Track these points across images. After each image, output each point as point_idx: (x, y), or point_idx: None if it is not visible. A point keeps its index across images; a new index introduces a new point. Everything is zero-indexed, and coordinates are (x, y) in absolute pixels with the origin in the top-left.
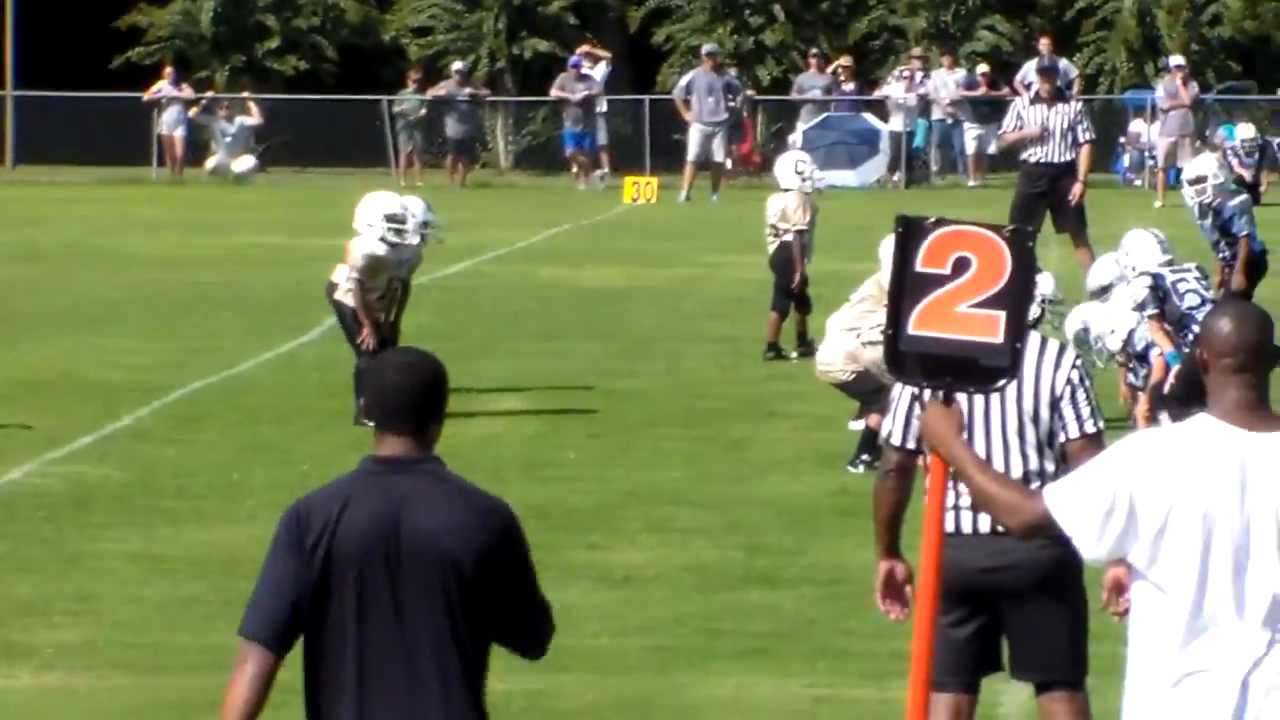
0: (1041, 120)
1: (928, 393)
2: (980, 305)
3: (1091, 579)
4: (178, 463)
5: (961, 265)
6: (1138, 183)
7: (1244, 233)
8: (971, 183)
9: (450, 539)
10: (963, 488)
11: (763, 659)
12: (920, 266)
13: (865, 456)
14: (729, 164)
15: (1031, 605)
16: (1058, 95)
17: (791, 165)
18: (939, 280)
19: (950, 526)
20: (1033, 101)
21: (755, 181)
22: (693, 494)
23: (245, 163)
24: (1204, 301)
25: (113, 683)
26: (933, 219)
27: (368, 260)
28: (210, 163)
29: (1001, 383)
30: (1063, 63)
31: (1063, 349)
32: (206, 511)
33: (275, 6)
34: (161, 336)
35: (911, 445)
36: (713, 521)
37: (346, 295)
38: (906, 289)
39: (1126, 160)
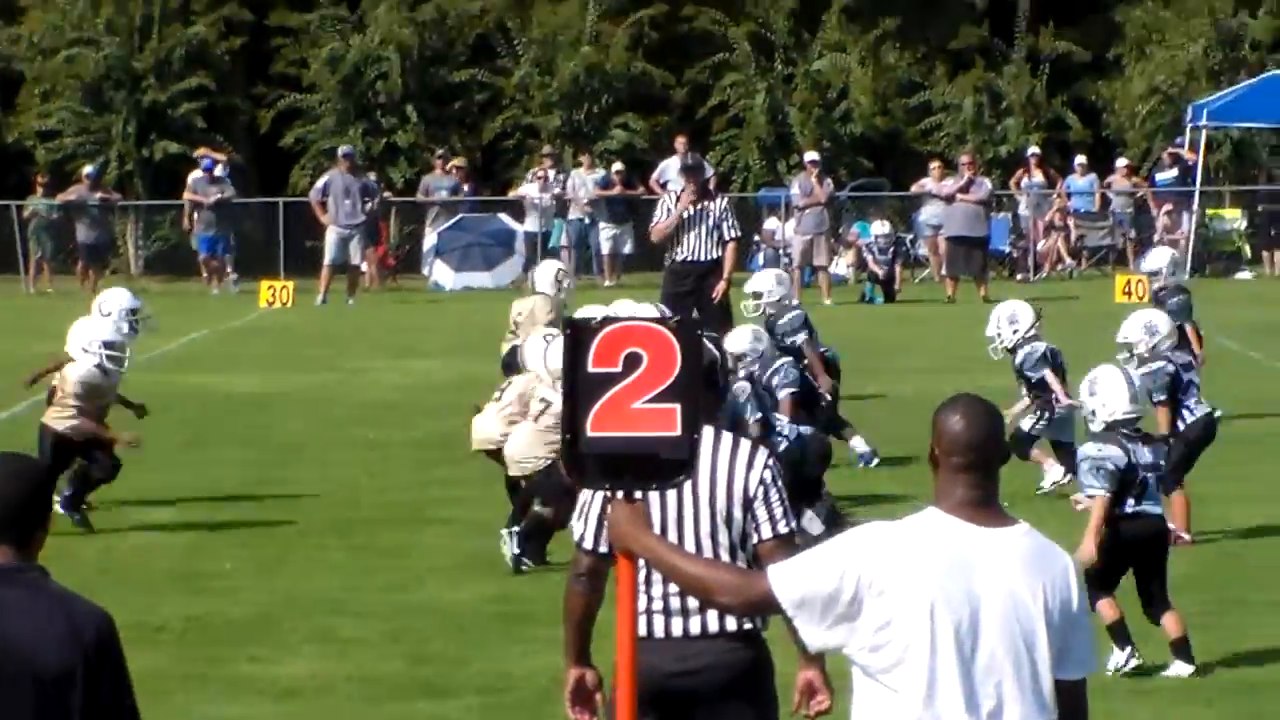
0: (686, 213)
1: (602, 495)
2: (655, 400)
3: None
4: None
5: (633, 361)
6: None
7: (800, 342)
8: (608, 283)
9: (44, 650)
10: (654, 591)
11: None
12: (592, 367)
13: (525, 562)
14: (365, 267)
15: (723, 709)
16: (703, 193)
17: (552, 273)
18: (612, 379)
19: (641, 630)
20: (678, 200)
21: (391, 284)
22: (352, 603)
23: None
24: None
25: None
26: (599, 318)
27: (87, 388)
28: None
29: (683, 476)
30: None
31: (755, 448)
32: None
33: None
34: None
35: (604, 549)
36: (374, 631)
37: (58, 421)
38: (581, 391)
39: (761, 258)
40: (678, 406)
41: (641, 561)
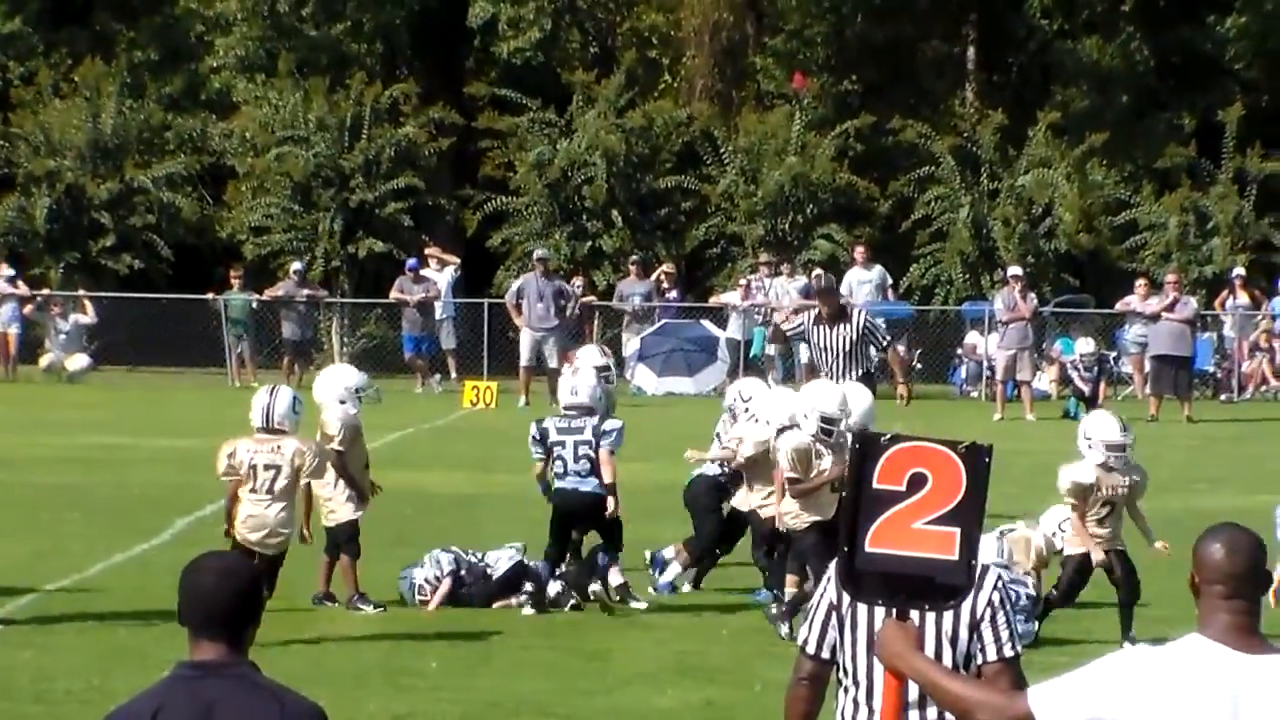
0: (819, 339)
1: (863, 609)
2: (936, 522)
3: None
4: (35, 667)
5: (917, 482)
6: (974, 394)
7: None
8: None
9: None
10: (875, 704)
11: None
12: (877, 483)
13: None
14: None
15: None
16: (840, 314)
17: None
18: (895, 497)
19: None
20: (815, 323)
21: None
22: (558, 705)
23: (79, 361)
24: None
25: None
26: (889, 435)
27: (347, 430)
28: (44, 360)
29: (956, 600)
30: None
31: (985, 569)
32: (66, 717)
33: (110, 204)
34: (7, 537)
35: (826, 655)
36: None
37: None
38: (863, 506)
39: (964, 372)
40: (958, 531)
41: (860, 675)
